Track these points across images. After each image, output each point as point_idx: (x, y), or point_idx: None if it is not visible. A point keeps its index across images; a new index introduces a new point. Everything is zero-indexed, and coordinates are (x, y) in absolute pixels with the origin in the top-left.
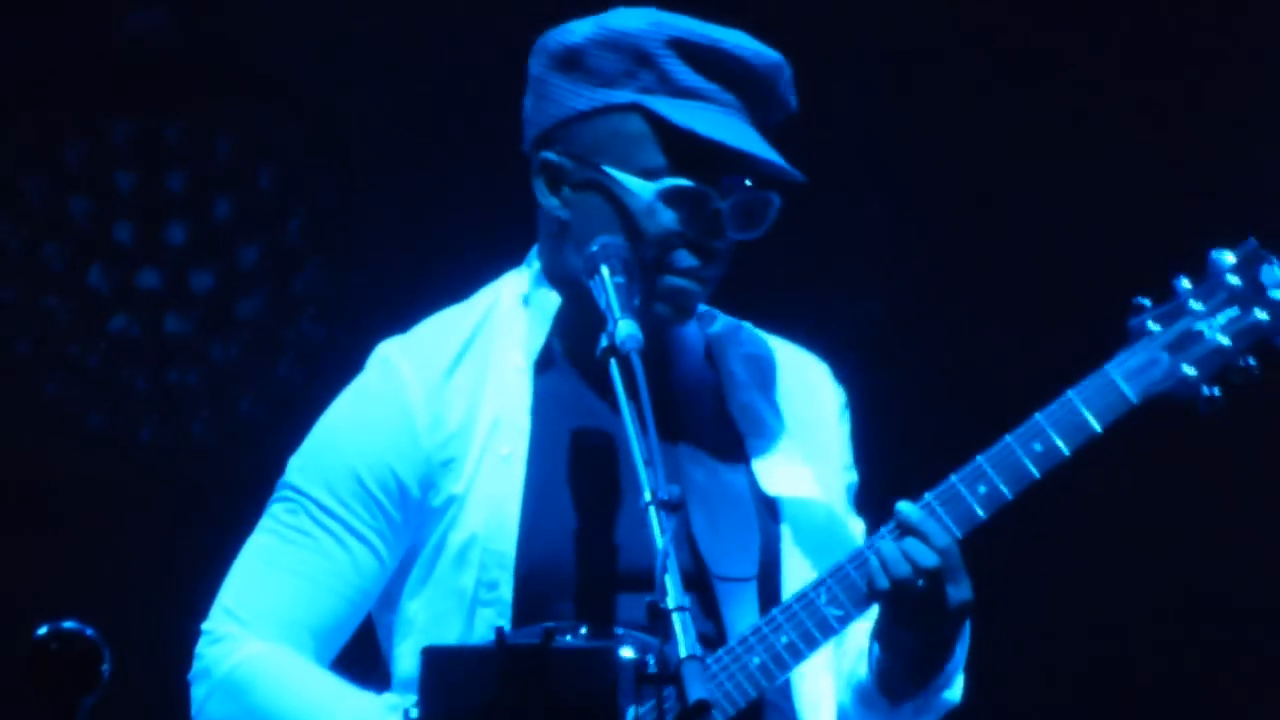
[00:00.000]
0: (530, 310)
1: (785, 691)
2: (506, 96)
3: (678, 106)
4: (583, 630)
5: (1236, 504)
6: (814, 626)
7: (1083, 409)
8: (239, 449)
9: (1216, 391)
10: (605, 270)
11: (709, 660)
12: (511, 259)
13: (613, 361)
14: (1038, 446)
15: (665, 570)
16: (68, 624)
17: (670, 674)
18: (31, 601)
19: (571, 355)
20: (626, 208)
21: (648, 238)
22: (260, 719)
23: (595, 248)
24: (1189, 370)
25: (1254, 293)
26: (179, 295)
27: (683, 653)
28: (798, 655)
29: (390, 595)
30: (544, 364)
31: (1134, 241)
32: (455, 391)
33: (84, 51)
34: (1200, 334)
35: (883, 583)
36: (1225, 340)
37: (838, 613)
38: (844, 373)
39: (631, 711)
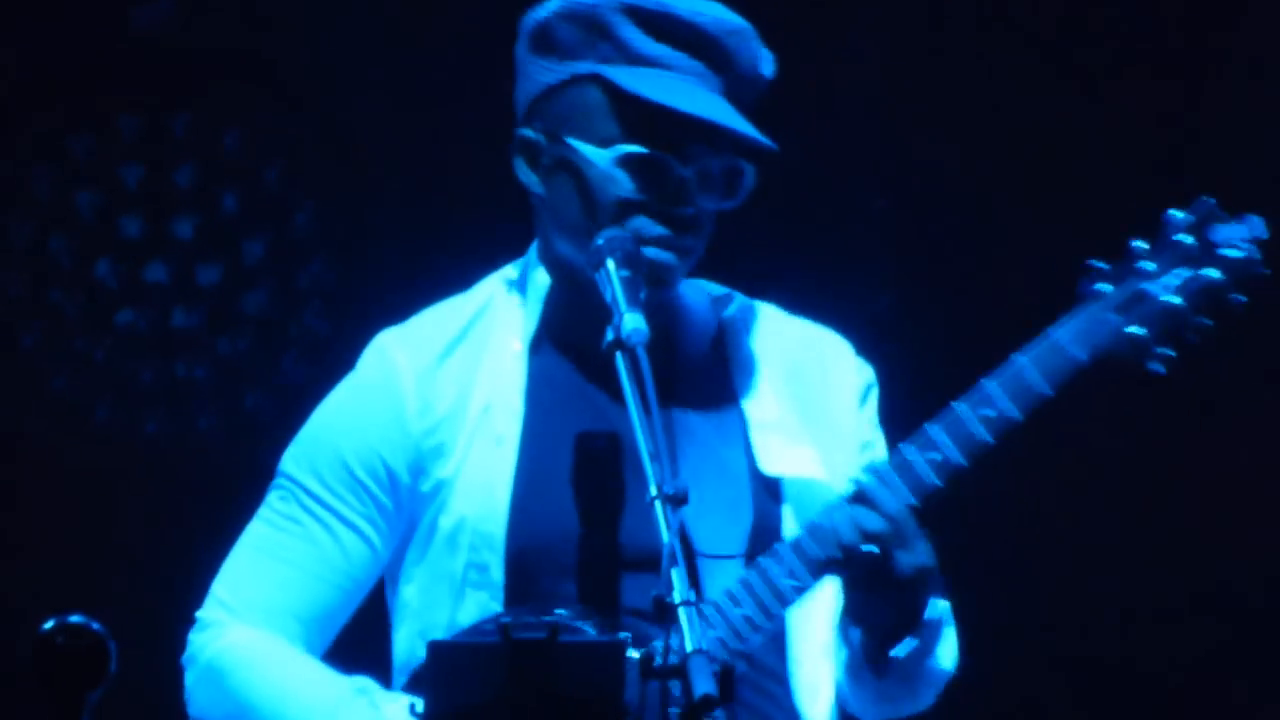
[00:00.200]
0: (524, 295)
1: (782, 677)
2: (513, 90)
3: (633, 74)
4: (571, 615)
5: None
6: (771, 598)
7: (1032, 373)
8: (245, 443)
9: (1170, 351)
10: (611, 264)
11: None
12: (517, 251)
13: (619, 355)
14: (989, 412)
15: (671, 564)
16: (74, 618)
17: (677, 668)
18: (37, 595)
19: (565, 337)
20: (585, 178)
21: (603, 206)
22: (238, 704)
23: (600, 241)
24: (1138, 330)
25: (1205, 251)
26: (186, 289)
27: (689, 647)
28: (755, 629)
29: (391, 580)
30: (538, 347)
31: (1146, 232)
32: (447, 377)
33: (90, 45)
34: (1150, 294)
35: (833, 551)
36: (1176, 300)
37: (794, 583)
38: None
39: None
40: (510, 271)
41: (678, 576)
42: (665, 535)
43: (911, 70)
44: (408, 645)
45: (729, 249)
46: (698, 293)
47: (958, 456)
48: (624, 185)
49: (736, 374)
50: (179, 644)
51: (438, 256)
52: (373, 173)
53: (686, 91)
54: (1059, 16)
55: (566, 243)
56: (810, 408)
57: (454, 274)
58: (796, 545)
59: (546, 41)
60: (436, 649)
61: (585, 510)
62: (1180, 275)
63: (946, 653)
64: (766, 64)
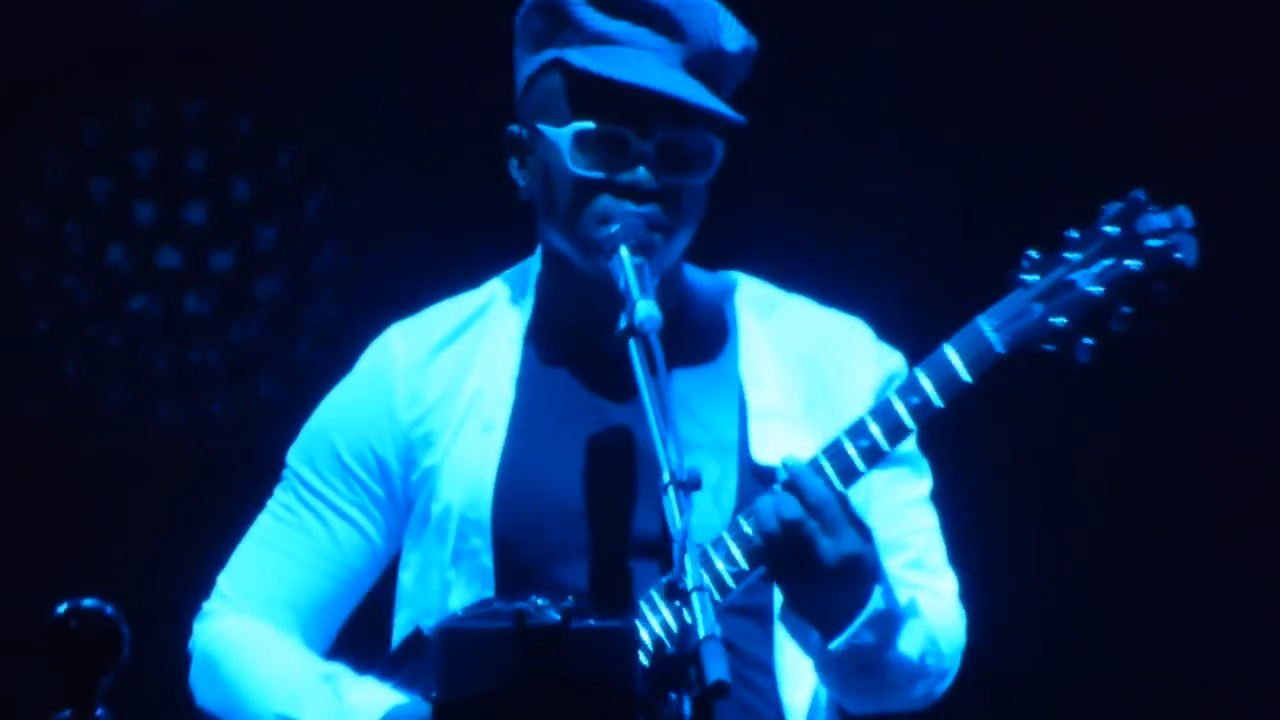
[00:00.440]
0: (524, 288)
1: (766, 666)
2: None
3: (586, 52)
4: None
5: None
6: (711, 585)
7: (954, 360)
8: (257, 428)
9: (1091, 341)
10: (624, 251)
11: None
12: (529, 237)
13: (631, 342)
14: (914, 399)
15: (684, 550)
16: (87, 602)
17: (689, 654)
18: (51, 579)
19: (561, 327)
20: (550, 163)
21: (564, 187)
22: (224, 691)
23: (615, 228)
24: (1058, 320)
25: (1129, 241)
26: (198, 275)
27: (702, 633)
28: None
29: (397, 568)
30: (534, 337)
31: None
32: (441, 367)
33: (103, 32)
34: (1073, 284)
35: (754, 537)
36: (1096, 289)
37: (732, 569)
38: None
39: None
40: (516, 270)
41: (690, 562)
42: (678, 521)
43: (925, 57)
44: (403, 631)
45: (742, 236)
46: (710, 279)
47: (884, 442)
48: (581, 164)
49: (744, 361)
50: (191, 628)
51: (450, 242)
52: (385, 158)
53: (634, 63)
54: (1073, 4)
55: (554, 232)
56: (820, 397)
57: (466, 260)
58: (735, 532)
59: (523, 35)
60: (448, 636)
61: (573, 496)
62: (1103, 265)
63: (912, 642)
64: (730, 37)
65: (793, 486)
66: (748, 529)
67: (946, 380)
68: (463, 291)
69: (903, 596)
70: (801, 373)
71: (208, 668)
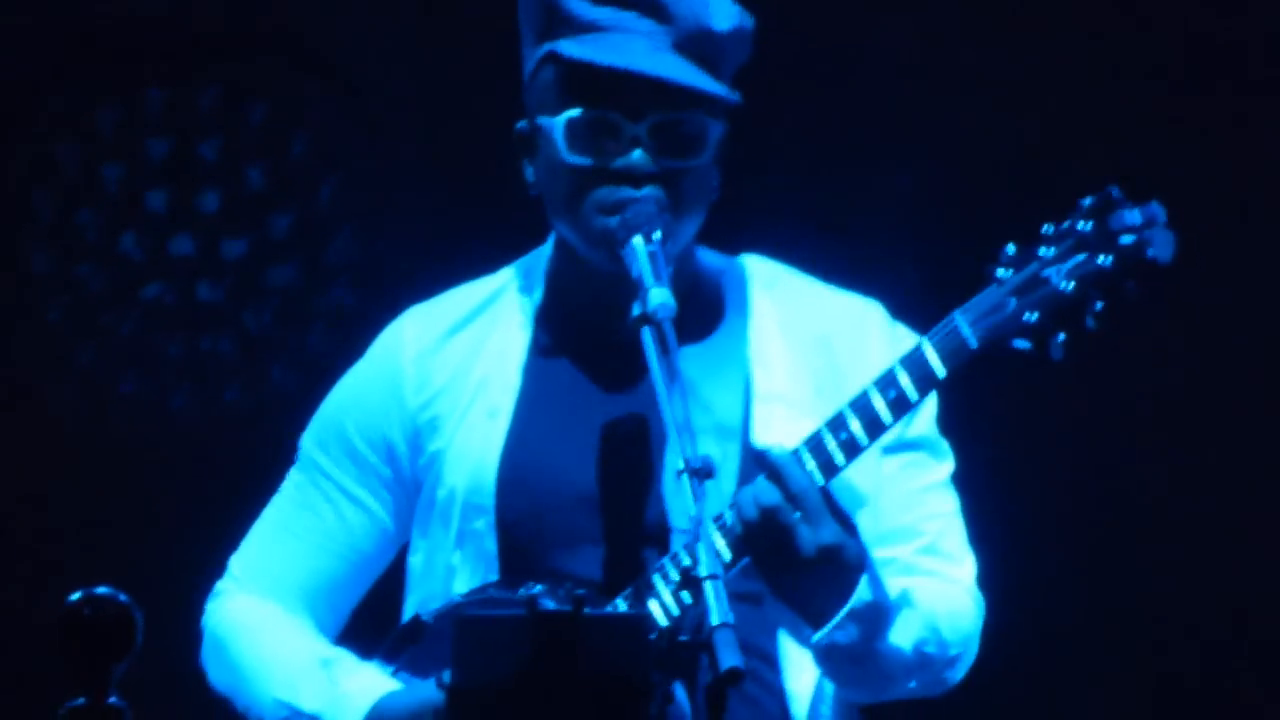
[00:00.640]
0: (535, 277)
1: (770, 655)
2: None
3: (577, 42)
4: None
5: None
6: None
7: (929, 355)
8: (271, 417)
9: (1063, 337)
10: (638, 239)
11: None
12: (543, 225)
13: (645, 330)
14: (891, 393)
15: (698, 538)
16: (100, 589)
17: (702, 641)
18: (64, 567)
19: (570, 316)
20: (548, 154)
21: (559, 177)
22: (232, 669)
23: (629, 214)
24: (1031, 316)
25: (1102, 238)
26: (211, 263)
27: (715, 620)
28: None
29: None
30: (544, 325)
31: (1174, 211)
32: (450, 352)
33: (116, 19)
34: (1046, 279)
35: (736, 525)
36: (1068, 285)
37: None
38: None
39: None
40: (530, 257)
41: (704, 551)
42: (691, 509)
43: (939, 46)
44: (410, 616)
45: (753, 224)
46: (723, 261)
47: (863, 437)
48: (574, 151)
49: (753, 343)
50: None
51: (463, 231)
52: (399, 146)
53: (620, 48)
54: None
55: (559, 223)
56: (831, 380)
57: (479, 249)
58: (721, 522)
59: (524, 31)
60: (462, 622)
61: (576, 481)
62: (1075, 261)
63: (905, 635)
64: (720, 17)
65: (774, 476)
66: (730, 519)
67: (922, 375)
68: (477, 279)
69: (900, 586)
70: (812, 355)
71: (216, 648)
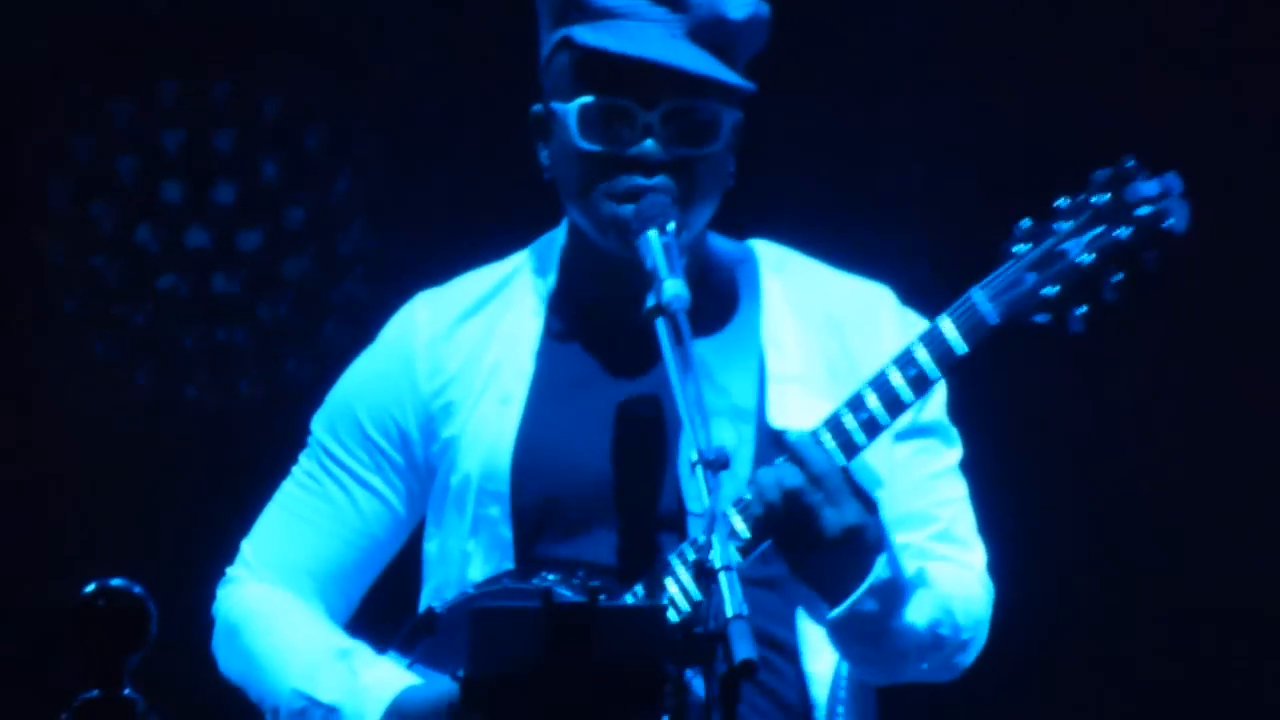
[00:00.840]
0: (548, 263)
1: (789, 640)
2: None
3: (592, 28)
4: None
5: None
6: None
7: (949, 332)
8: (285, 408)
9: (1084, 310)
10: (653, 230)
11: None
12: (556, 215)
13: (659, 320)
14: (911, 371)
15: (712, 529)
16: (115, 581)
17: (716, 632)
18: (78, 558)
19: (582, 302)
20: (562, 140)
21: (572, 163)
22: (246, 657)
23: (642, 205)
24: (1050, 289)
25: (1119, 209)
26: (227, 255)
27: (729, 611)
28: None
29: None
30: (556, 311)
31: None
32: (462, 337)
33: (131, 11)
34: (1064, 253)
35: (757, 508)
36: (1087, 258)
37: (737, 544)
38: None
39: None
40: (542, 243)
41: (718, 541)
42: (705, 500)
43: (950, 38)
44: (428, 602)
45: (763, 214)
46: (733, 246)
47: (883, 415)
48: (587, 138)
49: (765, 325)
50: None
51: (477, 222)
52: (414, 138)
53: (635, 36)
54: None
55: (572, 209)
56: (842, 362)
57: (493, 239)
58: (740, 504)
59: (542, 17)
60: (478, 615)
61: (590, 468)
62: (1093, 233)
63: (920, 612)
64: (735, 5)
65: (795, 457)
66: (748, 502)
67: (942, 352)
68: (489, 264)
69: (914, 567)
70: (824, 336)
71: (229, 635)
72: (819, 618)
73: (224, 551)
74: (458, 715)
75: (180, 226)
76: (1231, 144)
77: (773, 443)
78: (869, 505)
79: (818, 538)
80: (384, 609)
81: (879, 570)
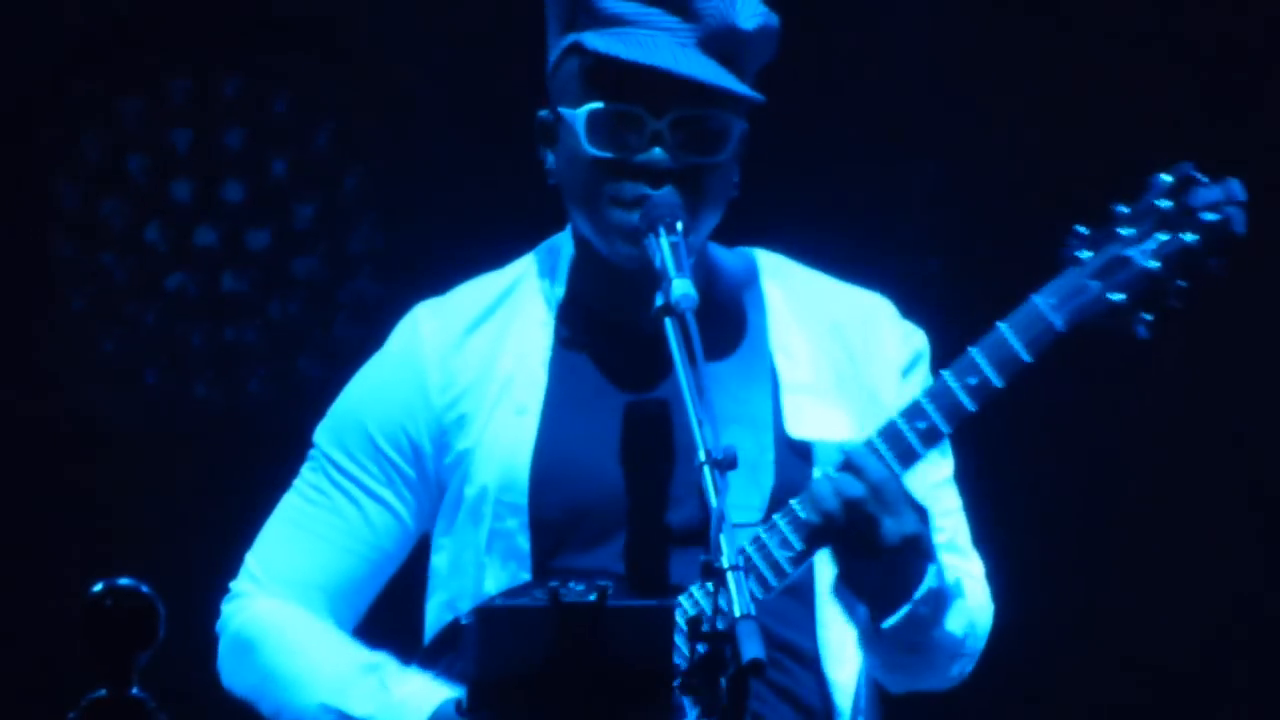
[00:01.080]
0: (554, 270)
1: (811, 649)
2: None
3: (600, 35)
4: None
5: None
6: (768, 570)
7: (1013, 340)
8: (295, 407)
9: (1150, 316)
10: (661, 230)
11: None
12: (563, 216)
13: (667, 321)
14: (972, 380)
15: (720, 530)
16: (123, 580)
17: (725, 632)
18: (86, 558)
19: (591, 309)
20: (567, 145)
21: (578, 169)
22: (260, 676)
23: (649, 207)
24: (1116, 296)
25: (1184, 215)
26: (236, 253)
27: (737, 612)
28: (753, 601)
29: (428, 551)
30: (565, 319)
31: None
32: (472, 349)
33: (140, 8)
34: (1129, 259)
35: (814, 517)
36: (1153, 264)
37: (788, 554)
38: None
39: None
40: (545, 249)
41: (725, 541)
42: (713, 501)
43: (960, 36)
44: (437, 615)
45: (774, 215)
46: (732, 255)
47: (943, 424)
48: (595, 145)
49: (773, 335)
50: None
51: (487, 220)
52: (423, 136)
53: (645, 44)
54: None
55: (577, 215)
56: (848, 370)
57: (503, 238)
58: (789, 515)
59: (550, 21)
60: (485, 614)
61: (609, 479)
62: (1158, 240)
63: (958, 621)
64: (746, 16)
65: (851, 467)
66: (801, 511)
67: (1005, 359)
68: (489, 272)
69: (949, 576)
70: (829, 344)
71: (242, 651)
72: (860, 625)
73: (233, 551)
74: (464, 714)
75: (189, 225)
76: (1235, 144)
77: (791, 450)
78: (922, 515)
79: (878, 546)
80: (378, 620)
81: (930, 579)
